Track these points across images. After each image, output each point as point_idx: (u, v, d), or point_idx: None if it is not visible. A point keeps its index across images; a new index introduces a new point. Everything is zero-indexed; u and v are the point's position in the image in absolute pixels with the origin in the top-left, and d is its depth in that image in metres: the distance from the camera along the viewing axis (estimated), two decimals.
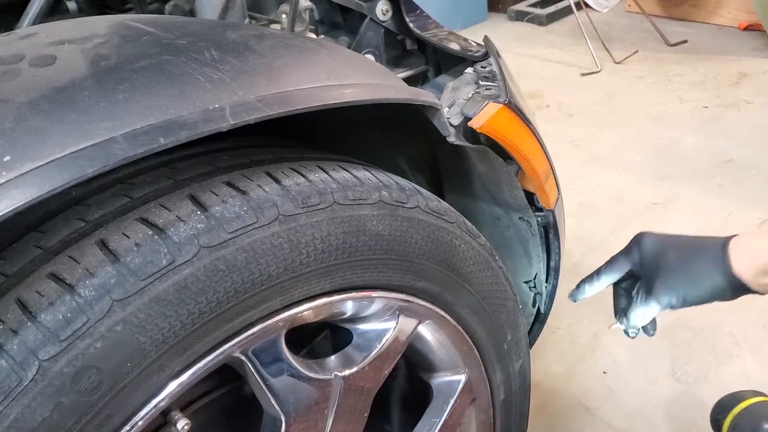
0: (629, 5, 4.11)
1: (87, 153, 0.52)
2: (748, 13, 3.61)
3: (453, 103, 0.85)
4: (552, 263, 1.10)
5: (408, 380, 1.04)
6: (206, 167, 0.68)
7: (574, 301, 1.01)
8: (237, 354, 0.67)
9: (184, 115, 0.56)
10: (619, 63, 3.46)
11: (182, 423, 0.65)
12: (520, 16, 4.26)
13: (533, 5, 4.32)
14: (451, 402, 0.94)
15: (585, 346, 1.80)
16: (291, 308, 0.69)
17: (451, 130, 0.80)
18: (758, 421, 0.83)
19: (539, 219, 1.03)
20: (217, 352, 0.64)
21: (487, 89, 0.87)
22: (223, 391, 0.83)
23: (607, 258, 0.98)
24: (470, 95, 0.86)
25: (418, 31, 1.20)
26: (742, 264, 0.84)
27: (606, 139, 2.80)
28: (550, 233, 1.05)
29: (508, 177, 0.93)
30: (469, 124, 0.80)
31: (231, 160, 0.71)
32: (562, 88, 3.30)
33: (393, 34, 1.26)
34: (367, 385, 0.81)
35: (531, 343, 1.25)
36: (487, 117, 0.80)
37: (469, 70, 0.95)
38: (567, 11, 3.98)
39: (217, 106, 0.58)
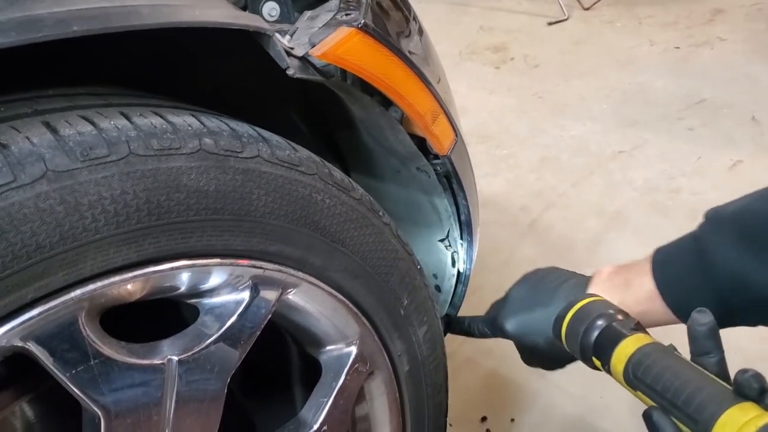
0: None
1: None
2: None
3: (296, 30, 0.72)
4: (462, 218, 0.98)
5: (302, 359, 0.92)
6: None
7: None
8: (17, 342, 0.55)
9: None
10: (587, 9, 3.30)
11: None
12: None
13: None
14: (341, 378, 0.83)
15: None
16: (84, 285, 0.58)
17: (292, 61, 0.67)
18: (591, 317, 0.73)
19: (437, 168, 0.90)
20: None
21: (347, 14, 0.74)
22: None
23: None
24: (326, 22, 0.73)
25: None
26: None
27: (572, 89, 2.67)
28: (453, 184, 0.93)
29: (386, 119, 0.81)
30: (310, 51, 0.67)
31: (8, 111, 0.59)
32: (527, 40, 3.15)
33: None
34: (216, 369, 0.69)
35: (457, 307, 1.14)
36: (332, 43, 0.67)
37: None
38: None
39: None
